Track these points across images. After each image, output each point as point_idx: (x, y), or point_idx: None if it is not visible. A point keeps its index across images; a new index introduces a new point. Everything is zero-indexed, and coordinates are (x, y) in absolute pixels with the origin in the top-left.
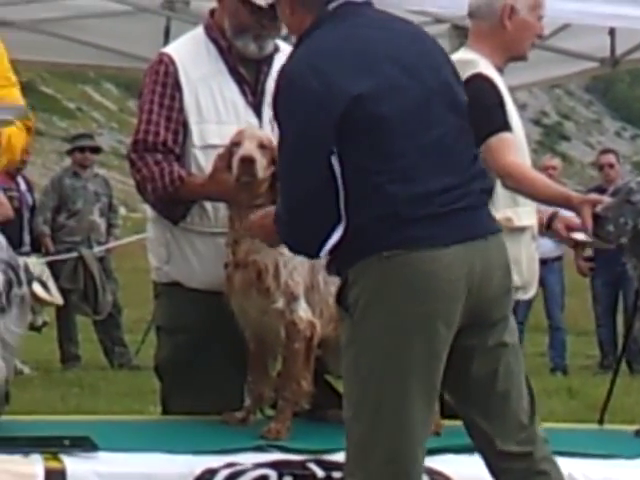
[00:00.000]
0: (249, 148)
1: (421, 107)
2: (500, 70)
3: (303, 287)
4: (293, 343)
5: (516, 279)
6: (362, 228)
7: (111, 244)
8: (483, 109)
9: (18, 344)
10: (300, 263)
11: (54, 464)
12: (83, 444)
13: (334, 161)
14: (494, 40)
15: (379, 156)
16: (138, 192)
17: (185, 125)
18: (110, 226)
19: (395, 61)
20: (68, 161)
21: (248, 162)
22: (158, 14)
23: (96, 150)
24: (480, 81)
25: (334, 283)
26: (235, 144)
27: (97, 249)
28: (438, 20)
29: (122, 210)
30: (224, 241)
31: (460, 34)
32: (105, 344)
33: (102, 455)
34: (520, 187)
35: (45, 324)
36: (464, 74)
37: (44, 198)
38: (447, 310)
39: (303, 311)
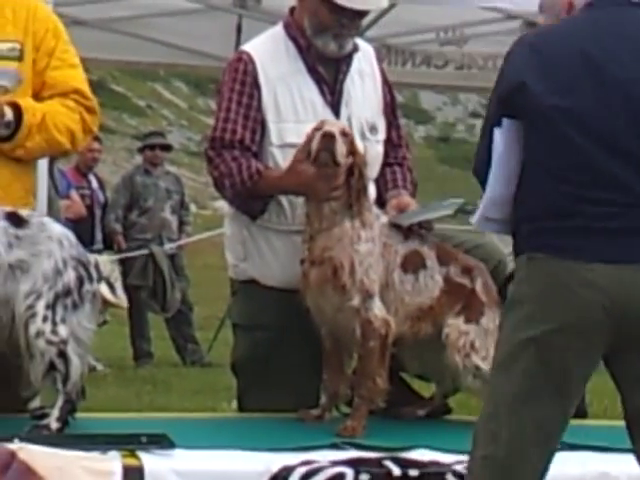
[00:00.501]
0: (331, 128)
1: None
2: None
3: (378, 285)
4: (368, 341)
5: None
6: (519, 224)
7: (182, 241)
8: None
9: (90, 340)
10: (376, 261)
11: (132, 461)
12: (160, 441)
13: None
14: None
15: (552, 152)
16: (216, 189)
17: (263, 124)
18: (181, 223)
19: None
20: (138, 159)
21: (329, 137)
22: (230, 12)
23: (167, 148)
24: None
25: (409, 281)
26: (317, 129)
27: (168, 246)
28: (510, 16)
29: (192, 207)
30: (301, 239)
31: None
32: (177, 341)
33: (179, 452)
34: None
35: (105, 322)
36: None
37: (115, 196)
38: (572, 324)
39: (378, 309)
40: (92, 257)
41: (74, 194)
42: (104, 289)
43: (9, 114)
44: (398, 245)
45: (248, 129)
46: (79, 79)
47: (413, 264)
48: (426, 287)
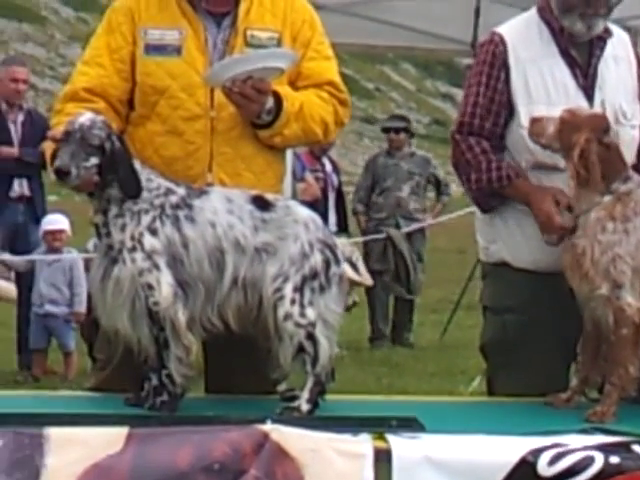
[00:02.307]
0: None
1: None
2: None
3: (630, 274)
4: (621, 329)
5: None
6: None
7: (418, 224)
8: None
9: (338, 323)
10: (626, 252)
11: (381, 444)
12: (411, 425)
13: None
14: None
15: None
16: (457, 173)
17: (511, 106)
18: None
19: None
20: (366, 142)
21: (537, 122)
22: None
23: (407, 131)
24: None
25: None
26: None
27: (405, 230)
28: None
29: None
30: None
31: None
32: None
33: (427, 437)
34: None
35: (355, 304)
36: None
37: (360, 178)
38: None
39: (631, 297)
40: None
41: (309, 176)
42: (347, 269)
43: (270, 101)
44: None
45: (492, 113)
46: (333, 71)
47: None
48: None
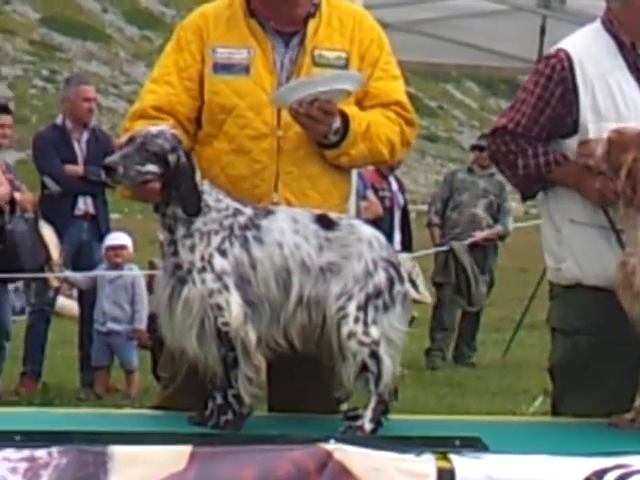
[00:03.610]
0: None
1: None
2: None
3: None
4: None
5: None
6: None
7: (474, 238)
8: None
9: (402, 341)
10: None
11: (444, 464)
12: (475, 445)
13: None
14: None
15: None
16: (496, 165)
17: (576, 124)
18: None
19: None
20: (428, 160)
21: (585, 144)
22: (534, 13)
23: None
24: None
25: None
26: None
27: (467, 241)
28: None
29: None
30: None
31: None
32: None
33: (491, 457)
34: None
35: (413, 319)
36: None
37: (437, 191)
38: None
39: None
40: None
41: (371, 195)
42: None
43: (337, 121)
44: None
45: (539, 125)
46: (400, 91)
47: None
48: None
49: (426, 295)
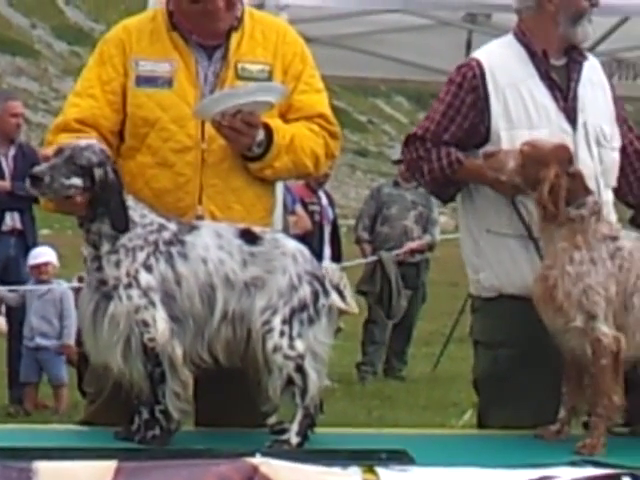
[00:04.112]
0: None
1: None
2: None
3: (603, 305)
4: (599, 360)
5: None
6: None
7: (401, 250)
8: None
9: (327, 354)
10: (597, 282)
11: (370, 477)
12: (401, 458)
13: None
14: None
15: None
16: (411, 174)
17: (489, 131)
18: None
19: None
20: (359, 174)
21: (492, 156)
22: (460, 27)
23: None
24: None
25: None
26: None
27: (394, 252)
28: None
29: None
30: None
31: None
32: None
33: (417, 469)
34: None
35: (339, 330)
36: None
37: (364, 206)
38: None
39: (605, 327)
40: (322, 266)
41: (299, 209)
42: (334, 297)
43: (261, 134)
44: None
45: (448, 132)
46: (324, 104)
47: None
48: None
49: (353, 306)
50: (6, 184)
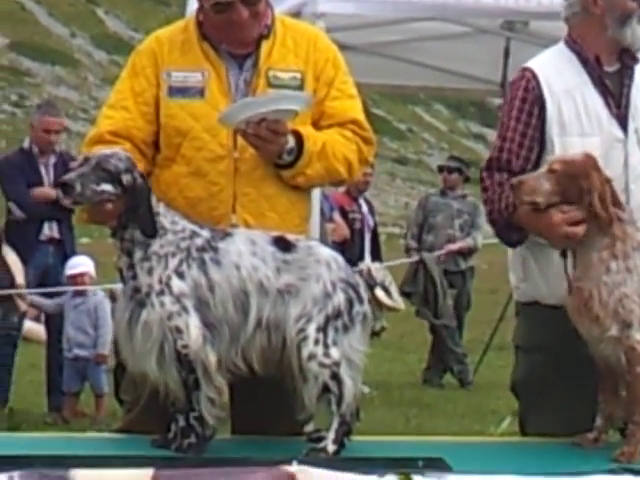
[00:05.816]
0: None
1: None
2: None
3: (638, 312)
4: (634, 367)
5: None
6: None
7: (444, 250)
8: None
9: (362, 362)
10: (633, 290)
11: None
12: (438, 465)
13: None
14: None
15: None
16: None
17: (543, 138)
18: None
19: None
20: (398, 183)
21: (523, 184)
22: (498, 35)
23: (461, 172)
24: None
25: None
26: None
27: (436, 253)
28: None
29: None
30: None
31: None
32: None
33: (454, 477)
34: None
35: (383, 329)
36: None
37: (412, 215)
38: None
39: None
40: (364, 265)
41: (337, 217)
42: (380, 293)
43: (291, 141)
44: None
45: (525, 148)
46: (357, 109)
47: None
48: None
49: (399, 301)
50: (52, 192)
